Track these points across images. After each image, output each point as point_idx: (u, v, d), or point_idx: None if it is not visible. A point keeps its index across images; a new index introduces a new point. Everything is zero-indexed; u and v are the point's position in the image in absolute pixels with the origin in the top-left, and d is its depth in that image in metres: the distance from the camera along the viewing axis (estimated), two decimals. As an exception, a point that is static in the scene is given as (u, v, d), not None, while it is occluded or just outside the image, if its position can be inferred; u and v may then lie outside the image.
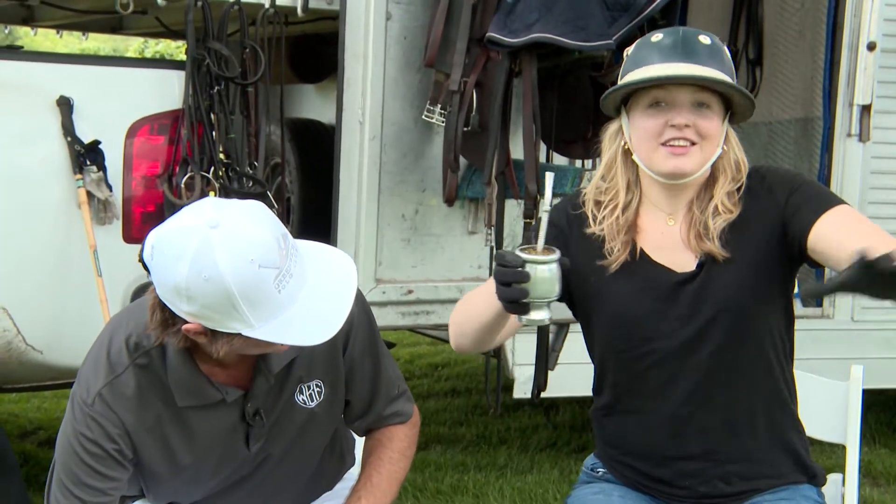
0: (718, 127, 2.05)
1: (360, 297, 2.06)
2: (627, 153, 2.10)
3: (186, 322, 1.78)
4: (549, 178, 1.88)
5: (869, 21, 4.25)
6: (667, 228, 2.11)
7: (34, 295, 3.46)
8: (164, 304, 1.79)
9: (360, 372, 2.09)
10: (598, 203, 2.13)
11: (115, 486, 1.95)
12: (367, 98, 3.73)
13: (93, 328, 3.42)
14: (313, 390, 2.04)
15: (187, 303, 1.74)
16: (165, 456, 1.98)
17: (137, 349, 1.92)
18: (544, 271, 1.84)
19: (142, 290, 3.51)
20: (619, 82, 2.06)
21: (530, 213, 3.60)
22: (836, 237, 1.96)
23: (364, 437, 2.23)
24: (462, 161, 3.71)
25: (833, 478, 2.32)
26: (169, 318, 1.81)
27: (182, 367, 1.91)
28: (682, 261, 2.09)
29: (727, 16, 4.89)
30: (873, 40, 4.26)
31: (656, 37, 2.07)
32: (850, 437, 2.35)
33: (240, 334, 1.77)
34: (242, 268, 1.71)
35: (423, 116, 3.70)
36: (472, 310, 2.09)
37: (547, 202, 1.87)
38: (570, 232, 2.15)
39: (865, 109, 4.31)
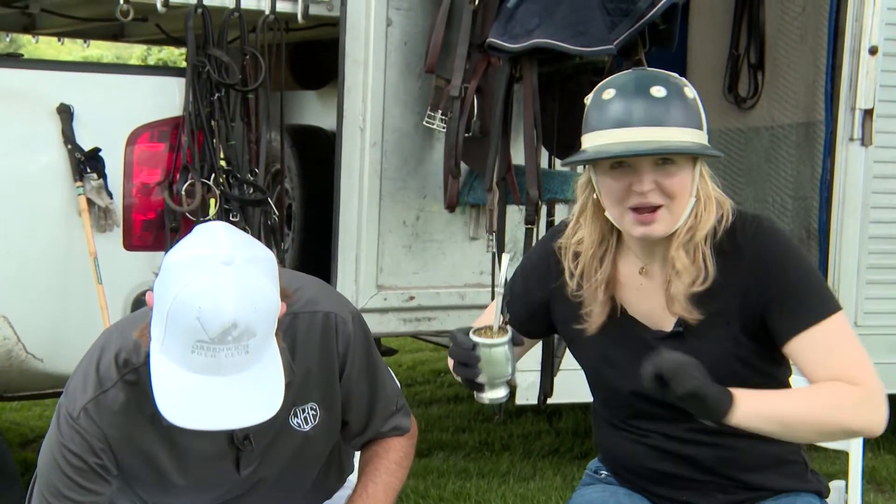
0: (686, 181, 1.95)
1: (357, 317, 2.05)
2: (599, 204, 2.03)
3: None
4: (506, 258, 1.87)
5: (871, 25, 4.24)
6: (644, 281, 2.06)
7: (34, 303, 3.45)
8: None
9: (356, 394, 2.07)
10: (575, 255, 2.08)
11: (95, 500, 1.93)
12: (368, 104, 3.72)
13: (93, 336, 3.41)
14: (308, 413, 2.02)
15: (155, 296, 1.75)
16: (153, 474, 1.97)
17: (127, 366, 1.91)
18: (498, 353, 1.84)
19: (142, 297, 3.50)
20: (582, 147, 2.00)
21: (532, 218, 3.59)
22: (810, 365, 1.93)
23: (362, 449, 2.21)
24: (463, 167, 3.70)
25: (836, 484, 2.31)
26: None
27: None
28: (659, 317, 2.04)
29: (728, 20, 4.88)
30: (875, 44, 4.25)
31: (608, 93, 1.96)
32: (853, 444, 2.34)
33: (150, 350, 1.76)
34: (186, 303, 1.68)
35: (424, 122, 3.70)
36: None
37: (501, 283, 1.86)
38: (550, 279, 2.12)
39: (868, 113, 4.30)
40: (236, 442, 1.97)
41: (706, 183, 1.99)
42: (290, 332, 1.94)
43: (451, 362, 1.88)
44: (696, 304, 1.97)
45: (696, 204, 1.97)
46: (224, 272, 1.70)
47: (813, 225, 4.44)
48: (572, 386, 3.90)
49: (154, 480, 1.99)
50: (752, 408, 1.85)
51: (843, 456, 2.42)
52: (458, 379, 1.89)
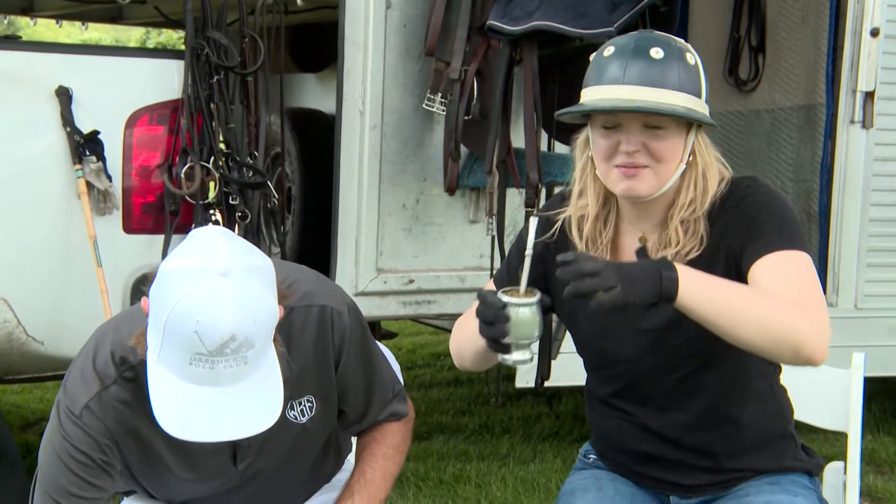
0: (675, 146, 1.94)
1: (352, 308, 2.04)
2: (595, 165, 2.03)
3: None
4: (534, 223, 1.87)
5: (872, 7, 4.22)
6: (640, 247, 2.05)
7: (34, 286, 3.45)
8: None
9: (353, 385, 2.07)
10: (581, 219, 2.07)
11: (100, 497, 1.93)
12: (368, 87, 3.71)
13: (93, 319, 3.43)
14: (304, 406, 2.01)
15: (151, 304, 1.74)
16: (155, 467, 1.97)
17: (124, 363, 1.89)
18: (525, 313, 1.83)
19: (142, 280, 3.50)
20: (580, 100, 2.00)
21: (532, 201, 3.59)
22: (763, 285, 1.88)
23: (358, 435, 2.21)
24: (463, 150, 3.70)
25: (835, 465, 2.31)
26: None
27: None
28: None
29: (729, 2, 4.87)
30: (877, 26, 4.23)
31: (608, 50, 1.97)
32: (852, 425, 2.34)
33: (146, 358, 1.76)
34: (184, 315, 1.67)
35: (424, 105, 3.69)
36: (466, 338, 2.06)
37: (530, 245, 1.85)
38: (549, 258, 2.08)
39: (869, 96, 4.29)
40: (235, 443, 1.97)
41: (707, 153, 1.98)
42: (286, 327, 1.93)
43: (476, 323, 1.86)
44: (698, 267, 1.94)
45: (695, 173, 1.97)
46: (222, 284, 1.68)
47: (813, 208, 4.44)
48: (572, 369, 3.90)
49: (157, 474, 1.99)
50: (695, 283, 1.81)
51: (842, 437, 2.42)
52: (483, 340, 1.86)
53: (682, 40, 2.00)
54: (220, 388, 1.71)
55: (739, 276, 1.94)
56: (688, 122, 1.95)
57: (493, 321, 1.82)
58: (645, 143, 1.93)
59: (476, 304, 1.90)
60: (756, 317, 1.82)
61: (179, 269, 1.71)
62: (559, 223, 2.09)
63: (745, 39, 4.82)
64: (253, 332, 1.69)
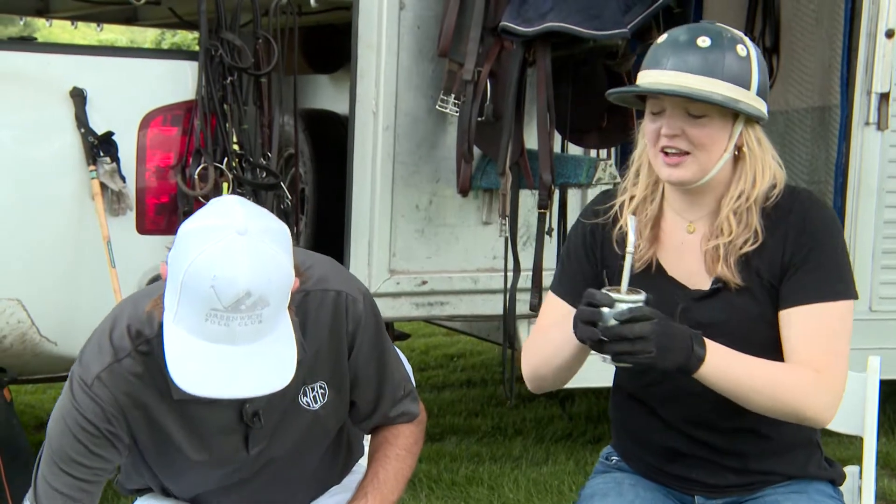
0: (717, 135, 1.97)
1: (368, 297, 2.05)
2: None
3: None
4: (632, 221, 1.91)
5: (888, 8, 4.21)
6: (686, 238, 2.07)
7: (48, 286, 3.46)
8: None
9: (364, 375, 2.07)
10: (631, 199, 2.11)
11: (104, 469, 1.94)
12: (381, 88, 3.71)
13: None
14: (317, 392, 2.02)
15: (169, 266, 1.76)
16: (164, 446, 1.98)
17: (139, 337, 1.91)
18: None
19: (155, 281, 3.51)
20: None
21: (545, 202, 3.58)
22: (794, 337, 1.97)
23: (371, 437, 2.21)
24: (476, 151, 3.69)
25: (850, 469, 2.30)
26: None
27: None
28: (698, 277, 2.05)
29: (744, 2, 4.85)
30: (892, 27, 4.22)
31: (662, 38, 2.02)
32: (868, 429, 2.32)
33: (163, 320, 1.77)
34: (201, 271, 1.69)
35: (437, 106, 3.68)
36: (549, 352, 2.07)
37: (631, 244, 1.89)
38: (595, 242, 2.14)
39: (884, 97, 4.27)
40: (245, 419, 1.96)
41: (760, 148, 2.01)
42: (302, 310, 1.94)
43: (560, 335, 1.91)
44: (740, 267, 1.99)
45: (746, 166, 1.99)
46: (238, 241, 1.70)
47: (838, 224, 4.42)
48: (585, 371, 3.89)
49: (165, 453, 1.99)
50: (717, 364, 1.90)
51: (857, 441, 2.41)
52: (575, 347, 1.90)
53: (739, 32, 2.01)
54: (235, 347, 1.72)
55: (782, 274, 1.99)
56: (734, 113, 1.98)
57: (595, 321, 1.86)
58: (685, 130, 1.97)
59: (544, 318, 1.99)
60: (767, 397, 1.95)
61: (197, 229, 1.73)
62: (616, 206, 2.12)
63: (759, 40, 4.79)
64: (268, 290, 1.70)
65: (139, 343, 1.91)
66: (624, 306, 1.85)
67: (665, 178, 2.02)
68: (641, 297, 1.87)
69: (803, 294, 1.98)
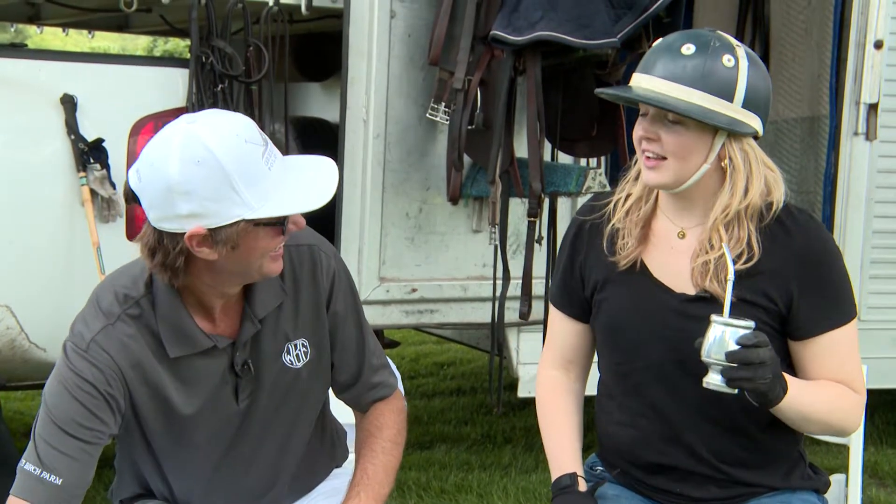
0: (693, 144, 1.96)
1: (337, 256, 2.10)
2: None
3: (185, 234, 1.80)
4: (727, 248, 1.94)
5: (876, 19, 4.23)
6: (676, 242, 2.08)
7: (37, 293, 3.46)
8: (161, 232, 1.82)
9: (344, 330, 2.10)
10: (627, 197, 2.13)
11: (103, 433, 1.94)
12: (372, 96, 3.72)
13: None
14: (300, 350, 2.05)
15: (185, 200, 1.77)
16: (159, 405, 1.99)
17: (127, 300, 1.93)
18: (729, 335, 1.89)
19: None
20: None
21: (534, 211, 3.59)
22: (820, 365, 2.04)
23: (355, 429, 2.23)
24: (466, 159, 3.70)
25: (837, 478, 2.31)
26: (169, 244, 1.83)
27: (172, 314, 1.92)
28: (683, 282, 2.06)
29: (734, 13, 4.87)
30: (880, 38, 4.24)
31: (656, 42, 2.03)
32: (854, 437, 2.34)
33: (241, 221, 1.80)
34: (230, 142, 1.77)
35: (428, 115, 3.69)
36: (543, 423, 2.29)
37: (732, 272, 1.91)
38: (586, 242, 2.16)
39: (872, 108, 4.30)
40: (235, 368, 2.00)
41: (751, 161, 1.99)
42: (289, 262, 2.00)
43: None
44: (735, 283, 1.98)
45: (734, 179, 1.98)
46: (201, 116, 1.84)
47: (835, 243, 4.43)
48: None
49: (161, 413, 2.00)
50: (796, 398, 1.96)
51: (844, 449, 2.42)
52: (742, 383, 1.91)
53: (736, 42, 1.99)
54: (288, 163, 1.87)
55: (781, 317, 2.03)
56: (707, 127, 1.96)
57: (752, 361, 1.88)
58: (661, 135, 1.97)
59: None
60: (822, 422, 2.05)
61: (172, 151, 1.79)
62: (611, 204, 2.13)
63: (749, 51, 4.82)
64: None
65: (128, 306, 1.93)
66: (747, 332, 1.87)
67: (644, 181, 2.04)
68: (752, 324, 1.89)
69: (821, 323, 2.02)
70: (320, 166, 1.91)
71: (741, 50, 1.98)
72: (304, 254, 2.04)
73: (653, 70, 1.97)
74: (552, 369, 2.28)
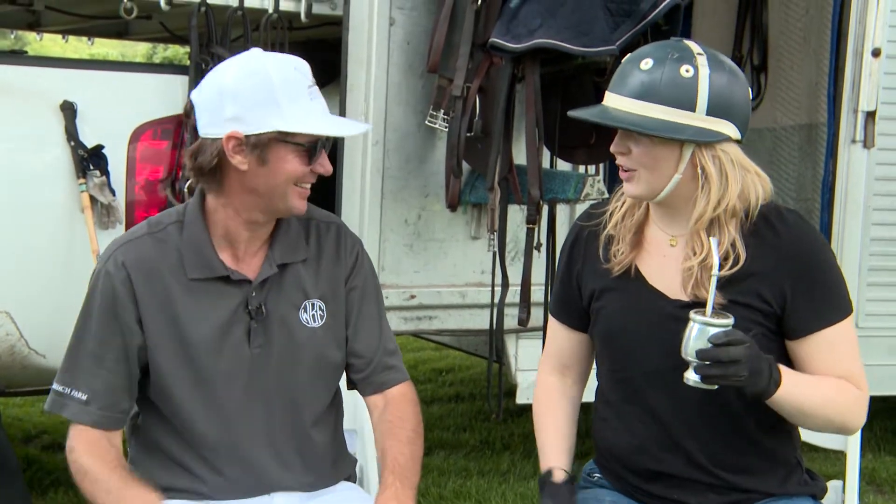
0: (660, 154, 1.98)
1: (363, 246, 2.25)
2: None
3: (224, 136, 1.96)
4: (714, 243, 1.94)
5: (874, 27, 4.24)
6: (669, 251, 2.10)
7: (37, 299, 3.46)
8: (205, 138, 1.99)
9: (365, 305, 2.19)
10: (621, 204, 2.15)
11: (127, 344, 2.05)
12: (371, 103, 3.73)
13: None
14: (316, 311, 2.14)
15: (232, 103, 1.96)
16: (168, 322, 2.06)
17: (158, 224, 2.10)
18: (707, 332, 1.91)
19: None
20: None
21: (533, 218, 3.60)
22: (820, 362, 2.04)
23: (372, 423, 2.24)
24: (465, 166, 3.71)
25: (833, 485, 2.31)
26: (209, 147, 1.98)
27: (197, 238, 2.06)
28: (678, 288, 2.07)
29: (732, 21, 4.89)
30: (878, 46, 4.25)
31: (626, 57, 2.06)
32: (851, 444, 2.35)
33: (275, 133, 1.96)
34: (283, 65, 2.00)
35: (426, 121, 3.70)
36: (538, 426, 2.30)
37: (716, 266, 1.92)
38: (583, 251, 2.18)
39: (870, 116, 4.31)
40: (249, 307, 2.08)
41: (721, 166, 1.99)
42: (315, 230, 2.17)
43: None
44: (722, 287, 2.00)
45: (708, 188, 1.99)
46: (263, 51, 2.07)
47: (824, 240, 4.44)
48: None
49: (173, 339, 2.06)
50: (787, 390, 1.96)
51: (842, 456, 2.43)
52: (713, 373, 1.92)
53: (697, 49, 2.00)
54: (328, 112, 2.07)
55: (774, 318, 2.04)
56: (672, 139, 1.98)
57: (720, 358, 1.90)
58: (630, 148, 2.01)
59: None
60: (822, 417, 2.04)
61: (233, 62, 2.02)
62: (608, 213, 2.16)
63: (747, 59, 4.84)
64: None
65: (157, 229, 2.09)
66: (719, 330, 1.88)
67: (624, 193, 2.07)
68: (731, 320, 1.90)
69: (817, 321, 2.03)
70: (354, 120, 2.23)
71: (702, 58, 1.98)
72: (332, 229, 2.20)
73: (616, 88, 2.01)
74: (550, 375, 2.31)
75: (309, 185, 2.07)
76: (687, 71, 1.96)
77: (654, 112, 1.95)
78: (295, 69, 2.01)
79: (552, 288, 2.34)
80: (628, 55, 2.06)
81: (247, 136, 1.97)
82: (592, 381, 2.28)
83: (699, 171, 1.99)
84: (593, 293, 2.15)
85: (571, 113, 2.07)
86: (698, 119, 1.97)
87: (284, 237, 2.13)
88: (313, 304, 2.14)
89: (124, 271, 2.04)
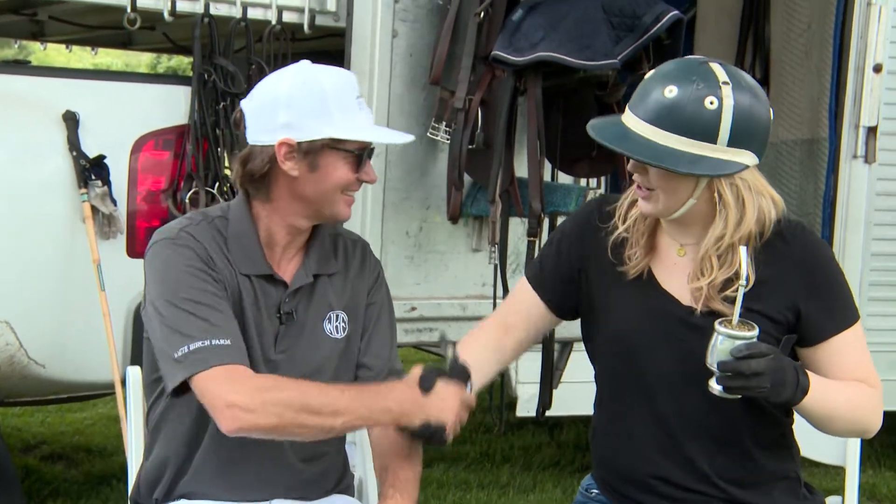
0: (670, 179, 1.98)
1: (383, 269, 2.30)
2: None
3: (277, 142, 2.01)
4: (744, 252, 1.93)
5: (875, 43, 4.25)
6: (678, 259, 2.10)
7: (37, 309, 3.46)
8: (255, 145, 2.04)
9: (381, 320, 2.23)
10: (633, 203, 2.14)
11: (222, 301, 2.03)
12: (373, 114, 3.72)
13: (95, 343, 3.44)
14: (339, 322, 2.18)
15: (286, 110, 2.02)
16: (235, 310, 2.06)
17: (206, 216, 2.13)
18: (729, 345, 1.91)
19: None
20: None
21: (534, 231, 3.60)
22: (836, 367, 2.05)
23: (374, 438, 2.23)
24: (466, 178, 3.71)
25: (834, 500, 2.31)
26: (259, 154, 2.04)
27: (243, 234, 2.09)
28: (688, 295, 2.07)
29: (734, 35, 4.90)
30: (879, 62, 4.26)
31: (649, 74, 2.03)
32: (850, 459, 2.34)
33: (328, 140, 2.02)
34: (335, 76, 2.06)
35: (428, 134, 3.71)
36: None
37: (743, 277, 1.91)
38: (588, 236, 2.17)
39: (871, 131, 4.31)
40: (281, 312, 2.11)
41: (738, 191, 1.99)
42: (332, 243, 2.21)
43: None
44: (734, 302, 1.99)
45: (727, 212, 1.99)
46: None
47: (830, 249, 4.44)
48: (574, 399, 3.91)
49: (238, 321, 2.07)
50: (815, 396, 1.97)
51: (841, 472, 2.42)
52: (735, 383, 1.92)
53: (723, 76, 1.96)
54: (377, 127, 2.17)
55: (797, 313, 2.04)
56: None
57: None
58: (648, 169, 2.00)
59: None
60: (847, 420, 2.07)
61: (287, 73, 2.07)
62: (619, 214, 2.15)
63: (749, 72, 4.84)
64: None
65: (208, 219, 2.11)
66: (741, 343, 1.89)
67: (639, 209, 2.07)
68: (755, 332, 1.91)
69: (830, 327, 2.05)
70: (396, 130, 2.28)
71: (727, 88, 1.94)
72: (358, 245, 2.26)
73: (637, 108, 1.99)
74: (491, 321, 2.30)
75: (354, 194, 2.13)
76: (711, 103, 1.93)
77: (672, 142, 1.93)
78: (346, 81, 2.08)
79: (539, 255, 2.32)
80: (652, 72, 2.03)
81: (299, 143, 2.03)
82: (592, 394, 2.26)
83: (717, 197, 2.00)
84: (603, 287, 2.14)
85: (592, 133, 2.02)
86: (719, 150, 1.94)
87: (320, 248, 2.18)
88: (337, 316, 2.18)
89: (199, 244, 2.06)
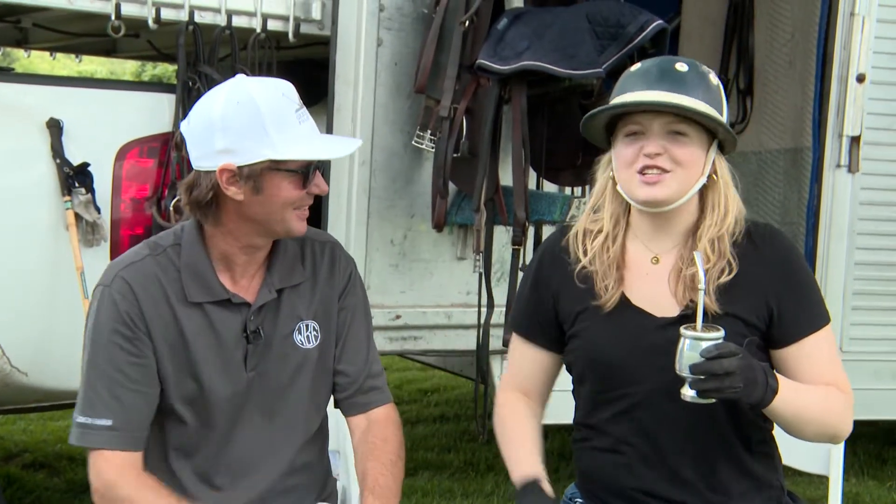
0: (697, 155, 2.02)
1: (356, 265, 2.27)
2: (616, 183, 2.10)
3: (217, 168, 1.98)
4: (698, 256, 1.94)
5: (858, 53, 4.27)
6: (651, 269, 2.10)
7: (20, 317, 3.44)
8: (199, 171, 2.01)
9: (355, 324, 2.20)
10: (587, 232, 2.13)
11: (144, 365, 2.03)
12: (358, 123, 3.73)
13: (79, 350, 3.40)
14: (310, 332, 2.16)
15: (222, 135, 1.97)
16: (179, 349, 2.06)
17: (156, 247, 2.09)
18: (699, 346, 1.91)
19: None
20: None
21: (519, 239, 3.61)
22: (806, 370, 2.05)
23: (352, 445, 2.24)
24: (451, 187, 3.72)
25: (817, 509, 2.32)
26: (203, 181, 2.00)
27: (196, 261, 2.07)
28: (664, 305, 2.08)
29: (718, 45, 4.91)
30: (863, 72, 4.28)
31: (635, 66, 2.08)
32: (833, 468, 2.35)
33: (267, 162, 1.97)
34: (269, 92, 2.00)
35: (413, 142, 3.71)
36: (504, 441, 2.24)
37: (702, 283, 1.92)
38: (555, 272, 2.17)
39: (855, 140, 4.33)
40: (248, 331, 2.09)
41: (727, 175, 2.07)
42: (310, 253, 2.17)
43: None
44: (718, 295, 2.02)
45: (718, 194, 2.04)
46: (246, 76, 2.09)
47: (799, 250, 4.46)
48: (558, 408, 3.90)
49: (182, 360, 2.07)
50: (784, 397, 1.97)
51: (825, 481, 2.43)
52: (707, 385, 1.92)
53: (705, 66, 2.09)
54: (322, 135, 2.10)
55: (770, 313, 2.05)
56: (709, 138, 2.03)
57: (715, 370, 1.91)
58: (668, 148, 2.00)
59: None
60: (818, 423, 2.05)
61: (220, 92, 2.02)
62: (569, 238, 2.16)
63: (733, 82, 4.86)
64: None
65: (157, 251, 2.08)
66: (709, 343, 1.89)
67: (642, 199, 2.03)
68: (721, 333, 1.91)
69: (802, 327, 2.06)
70: (345, 137, 2.22)
71: (713, 73, 2.09)
72: (326, 249, 2.21)
73: (652, 84, 2.01)
74: (512, 392, 2.29)
75: (307, 207, 2.09)
76: (714, 79, 2.06)
77: (701, 107, 2.00)
78: (282, 95, 2.02)
79: (515, 306, 2.32)
80: (638, 64, 2.08)
81: (239, 168, 1.98)
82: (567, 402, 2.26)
83: (714, 177, 2.05)
84: (574, 315, 2.14)
85: (625, 103, 2.02)
86: (724, 121, 2.05)
87: (282, 260, 2.14)
88: (307, 326, 2.16)
89: (130, 292, 2.03)
